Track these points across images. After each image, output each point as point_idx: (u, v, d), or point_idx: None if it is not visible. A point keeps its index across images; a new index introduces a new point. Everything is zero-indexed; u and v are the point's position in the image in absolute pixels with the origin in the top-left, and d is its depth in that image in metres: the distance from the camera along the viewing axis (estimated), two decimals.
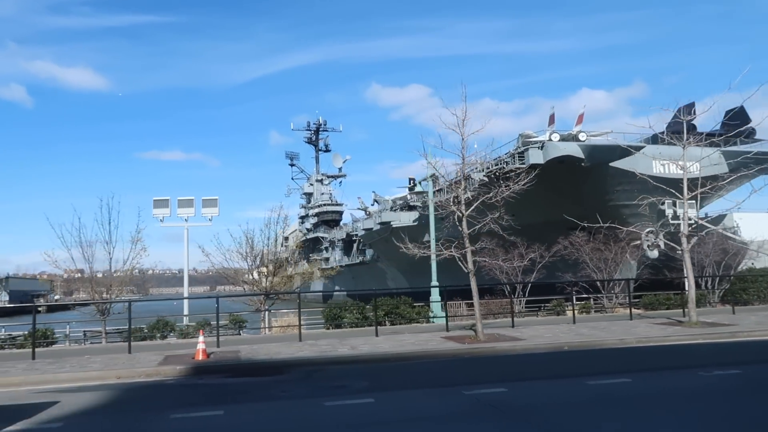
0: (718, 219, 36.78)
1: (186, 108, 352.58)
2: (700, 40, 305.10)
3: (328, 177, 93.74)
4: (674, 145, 41.31)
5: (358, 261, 70.31)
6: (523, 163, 39.10)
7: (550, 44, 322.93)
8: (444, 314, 20.94)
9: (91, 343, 18.16)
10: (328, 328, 18.96)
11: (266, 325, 19.47)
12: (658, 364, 11.02)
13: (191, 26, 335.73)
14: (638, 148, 40.35)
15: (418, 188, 51.15)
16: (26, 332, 16.97)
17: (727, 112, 41.06)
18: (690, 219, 34.22)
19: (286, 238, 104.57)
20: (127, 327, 18.80)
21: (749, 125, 37.95)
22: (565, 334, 14.33)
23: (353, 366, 11.59)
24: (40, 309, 51.73)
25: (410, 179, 67.66)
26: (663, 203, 45.85)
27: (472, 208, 14.28)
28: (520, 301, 21.32)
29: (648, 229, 42.18)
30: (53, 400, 8.99)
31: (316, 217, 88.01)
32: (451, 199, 14.47)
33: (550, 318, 19.88)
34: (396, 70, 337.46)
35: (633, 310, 22.24)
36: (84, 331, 18.36)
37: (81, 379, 10.87)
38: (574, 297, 20.25)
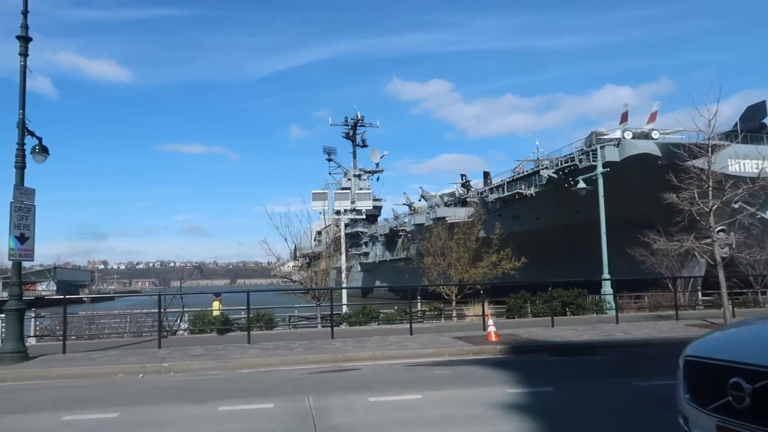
0: None
1: (206, 101, 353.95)
2: (726, 36, 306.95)
3: (366, 172, 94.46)
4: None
5: (403, 256, 71.24)
6: (596, 161, 40.30)
7: (571, 40, 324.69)
8: (615, 305, 21.97)
9: (295, 327, 18.91)
10: (511, 318, 19.90)
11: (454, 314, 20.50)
12: None
13: (212, 20, 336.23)
14: (722, 147, 41.37)
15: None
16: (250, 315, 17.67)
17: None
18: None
19: (319, 233, 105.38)
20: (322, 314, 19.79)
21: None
22: None
23: (650, 348, 12.32)
24: (84, 298, 52.25)
25: (462, 175, 68.73)
26: (737, 202, 46.42)
27: (722, 200, 15.09)
28: (683, 294, 22.15)
29: (719, 227, 43.18)
30: (451, 372, 9.85)
31: (354, 212, 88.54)
32: (695, 194, 15.27)
33: (746, 310, 20.81)
34: (417, 65, 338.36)
35: None
36: (289, 315, 19.16)
37: (418, 355, 11.76)
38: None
